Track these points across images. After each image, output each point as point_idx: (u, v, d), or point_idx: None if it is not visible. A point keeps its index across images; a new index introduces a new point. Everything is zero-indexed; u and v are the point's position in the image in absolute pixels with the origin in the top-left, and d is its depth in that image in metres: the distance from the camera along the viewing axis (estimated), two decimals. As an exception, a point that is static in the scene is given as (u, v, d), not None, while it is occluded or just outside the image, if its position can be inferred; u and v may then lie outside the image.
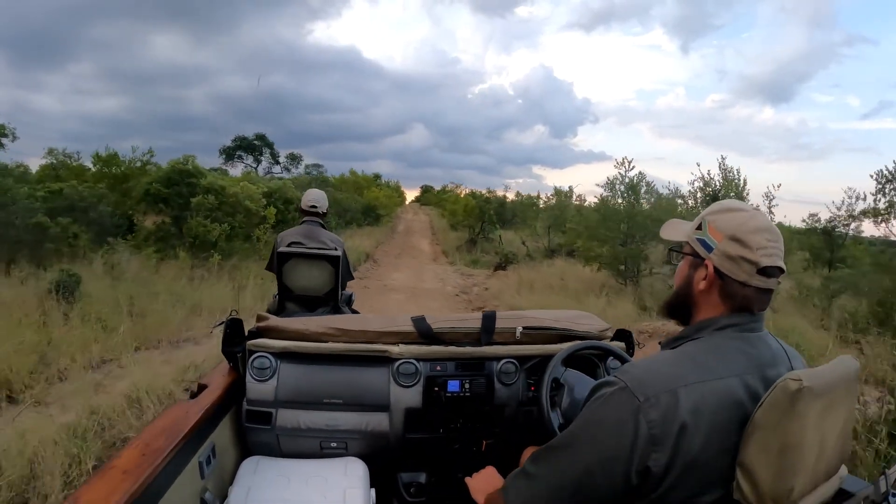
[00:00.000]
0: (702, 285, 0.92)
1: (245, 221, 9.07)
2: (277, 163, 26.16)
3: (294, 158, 28.30)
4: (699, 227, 0.94)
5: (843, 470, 0.92)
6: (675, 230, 1.04)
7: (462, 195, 23.50)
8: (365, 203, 22.52)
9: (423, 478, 1.70)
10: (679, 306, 0.99)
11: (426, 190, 58.43)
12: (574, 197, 17.28)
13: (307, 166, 26.84)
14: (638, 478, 0.78)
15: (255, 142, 37.88)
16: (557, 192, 17.03)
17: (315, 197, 3.14)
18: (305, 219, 3.08)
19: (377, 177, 30.88)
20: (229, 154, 37.22)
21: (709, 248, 0.92)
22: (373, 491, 1.48)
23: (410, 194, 56.76)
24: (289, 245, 2.87)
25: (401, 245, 20.30)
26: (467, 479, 1.23)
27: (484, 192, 20.26)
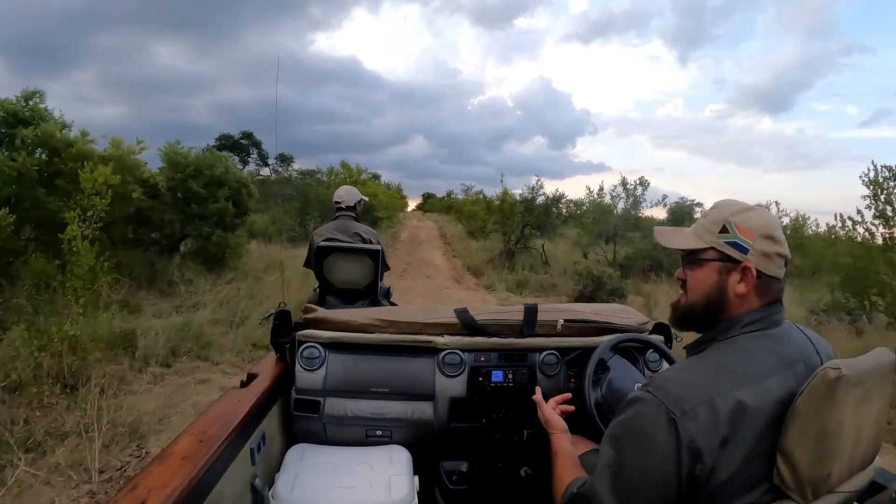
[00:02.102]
0: (741, 288, 0.92)
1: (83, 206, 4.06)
2: (266, 164, 19.75)
3: (285, 160, 21.03)
4: (724, 230, 0.94)
5: (878, 461, 0.93)
6: (682, 237, 1.01)
7: (474, 198, 17.50)
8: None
9: (464, 466, 1.75)
10: (706, 317, 0.97)
11: (428, 196, 52.80)
12: (641, 191, 11.11)
13: (301, 172, 24.35)
14: (686, 483, 0.82)
15: (242, 140, 33.66)
16: (623, 183, 10.98)
17: (339, 193, 3.23)
18: (338, 214, 3.18)
19: (376, 176, 24.70)
20: (212, 155, 26.62)
21: (744, 250, 0.92)
22: (416, 478, 1.55)
23: (411, 203, 57.11)
24: (326, 240, 2.91)
25: (406, 257, 15.23)
26: (538, 399, 1.36)
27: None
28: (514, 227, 12.90)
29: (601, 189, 13.21)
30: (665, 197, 13.15)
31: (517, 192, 14.18)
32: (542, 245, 13.10)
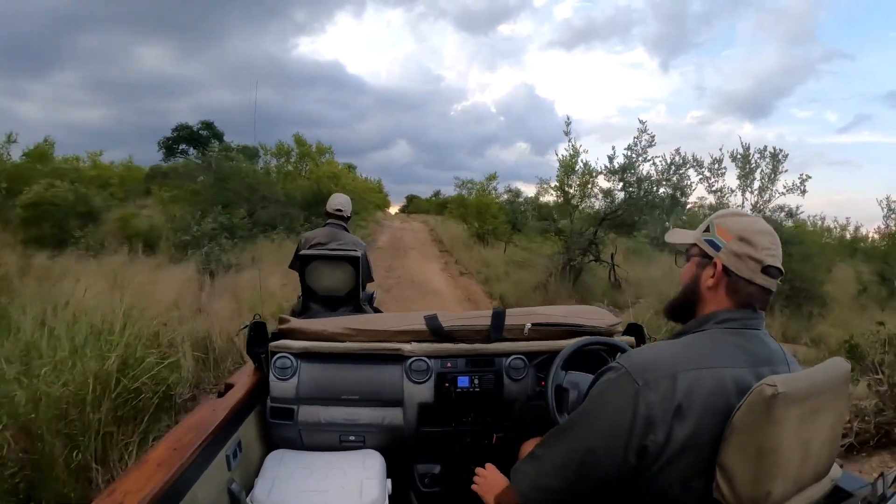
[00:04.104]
0: (709, 282, 1.01)
1: None
2: (230, 159, 17.48)
3: (248, 152, 18.30)
4: (707, 230, 1.04)
5: (836, 471, 0.97)
6: (682, 235, 1.13)
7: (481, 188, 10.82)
8: (312, 190, 9.63)
9: (437, 469, 1.82)
10: (685, 305, 1.06)
11: (413, 198, 47.02)
12: (772, 167, 3.32)
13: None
14: (635, 457, 0.89)
15: (202, 132, 27.20)
16: (744, 157, 3.36)
17: (341, 201, 3.18)
18: (329, 221, 3.11)
19: (351, 167, 17.83)
20: (170, 148, 26.74)
21: (717, 248, 1.00)
22: (389, 481, 1.64)
23: (394, 208, 51.21)
24: (311, 247, 2.91)
25: (383, 277, 8.71)
26: (474, 487, 1.35)
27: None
28: (586, 224, 6.82)
29: (717, 162, 7.27)
30: (807, 178, 7.37)
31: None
32: (612, 255, 7.13)
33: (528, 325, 1.77)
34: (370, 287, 3.39)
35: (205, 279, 7.36)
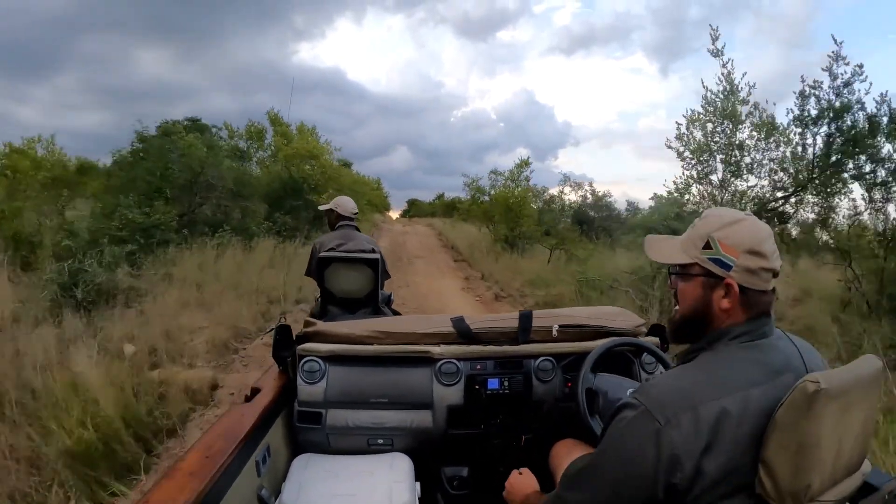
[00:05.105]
0: (724, 304, 0.95)
1: None
2: (167, 132, 13.02)
3: (239, 152, 15.06)
4: (707, 246, 0.96)
5: (867, 465, 0.98)
6: (671, 251, 1.02)
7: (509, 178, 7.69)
8: (280, 176, 6.56)
9: (465, 471, 1.84)
10: (695, 329, 1.01)
11: (413, 202, 44.69)
12: None
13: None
14: (664, 493, 0.88)
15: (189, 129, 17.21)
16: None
17: (354, 205, 3.22)
18: (343, 223, 3.09)
19: (347, 164, 14.47)
20: (154, 147, 18.39)
21: (726, 267, 0.93)
22: (418, 484, 1.66)
23: (395, 213, 48.50)
24: (328, 250, 2.87)
25: None
26: (505, 495, 1.38)
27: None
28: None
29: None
30: None
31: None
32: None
33: (556, 327, 1.77)
34: (387, 287, 3.42)
35: (63, 317, 4.48)
